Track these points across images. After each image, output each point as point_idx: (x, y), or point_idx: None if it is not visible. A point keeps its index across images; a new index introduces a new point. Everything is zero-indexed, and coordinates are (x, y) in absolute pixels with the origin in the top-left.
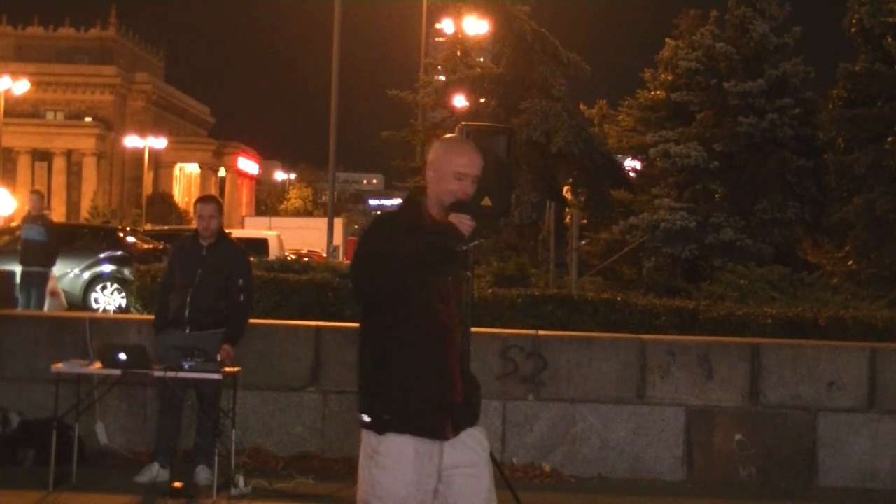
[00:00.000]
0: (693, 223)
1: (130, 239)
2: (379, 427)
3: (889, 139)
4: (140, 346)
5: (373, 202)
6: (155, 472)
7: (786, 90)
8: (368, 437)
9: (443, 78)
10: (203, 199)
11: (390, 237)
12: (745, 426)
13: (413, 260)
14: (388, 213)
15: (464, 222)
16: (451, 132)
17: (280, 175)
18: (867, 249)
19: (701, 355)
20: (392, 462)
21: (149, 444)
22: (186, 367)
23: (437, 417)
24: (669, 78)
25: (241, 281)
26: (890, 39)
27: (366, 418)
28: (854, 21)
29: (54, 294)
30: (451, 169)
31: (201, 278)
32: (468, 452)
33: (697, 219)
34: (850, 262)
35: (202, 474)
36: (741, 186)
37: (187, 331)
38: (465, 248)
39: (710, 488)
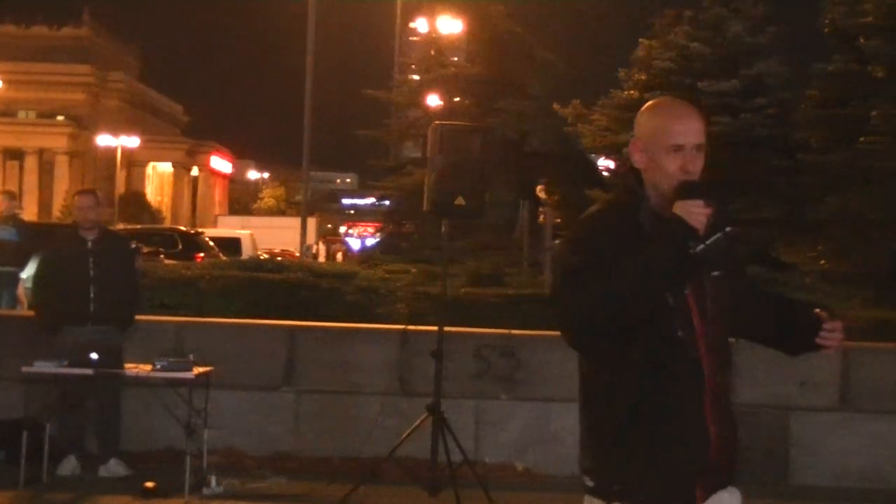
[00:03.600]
0: None
1: None
2: (606, 495)
3: (862, 139)
4: (114, 345)
5: (346, 201)
6: (73, 465)
7: (761, 90)
8: (592, 502)
9: (417, 77)
10: (81, 192)
11: (604, 246)
12: None
13: (636, 281)
14: (599, 211)
15: (692, 211)
16: (426, 131)
17: (253, 174)
18: (841, 249)
19: None
20: None
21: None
22: (158, 366)
23: (682, 484)
24: (644, 77)
25: (133, 267)
26: (864, 40)
27: (589, 482)
28: (828, 21)
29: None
30: (664, 142)
31: (98, 272)
32: None
33: None
34: (823, 262)
35: (66, 465)
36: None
37: (90, 326)
38: (699, 247)
39: None
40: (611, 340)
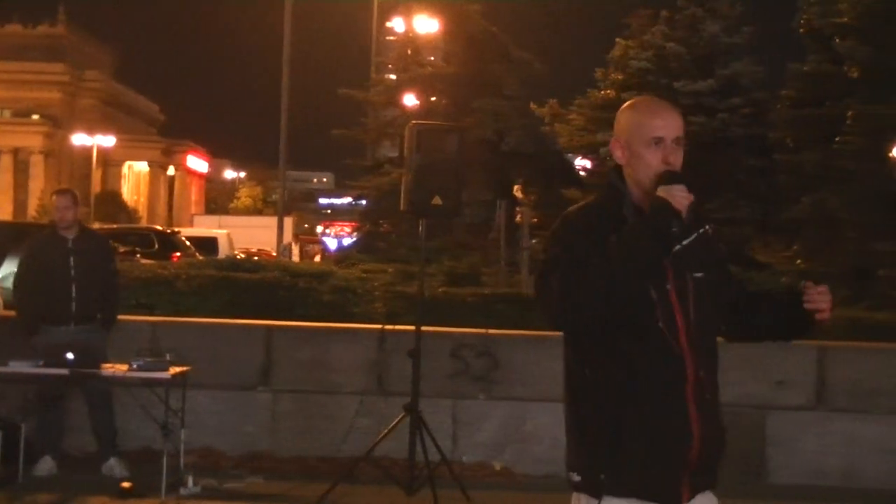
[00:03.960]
0: None
1: None
2: (593, 489)
3: (837, 139)
4: (96, 344)
5: (323, 201)
6: (49, 465)
7: (736, 90)
8: (579, 501)
9: (394, 77)
10: (58, 192)
11: (587, 238)
12: None
13: (618, 265)
14: (583, 206)
15: (675, 194)
16: (402, 131)
17: (230, 174)
18: (816, 249)
19: None
20: None
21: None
22: (135, 366)
23: (666, 478)
24: (620, 77)
25: (112, 266)
26: (839, 40)
27: (575, 477)
28: (803, 21)
29: None
30: (644, 136)
31: (79, 271)
32: None
33: None
34: (798, 261)
35: (43, 466)
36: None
37: (72, 326)
38: (687, 241)
39: None
40: (595, 329)
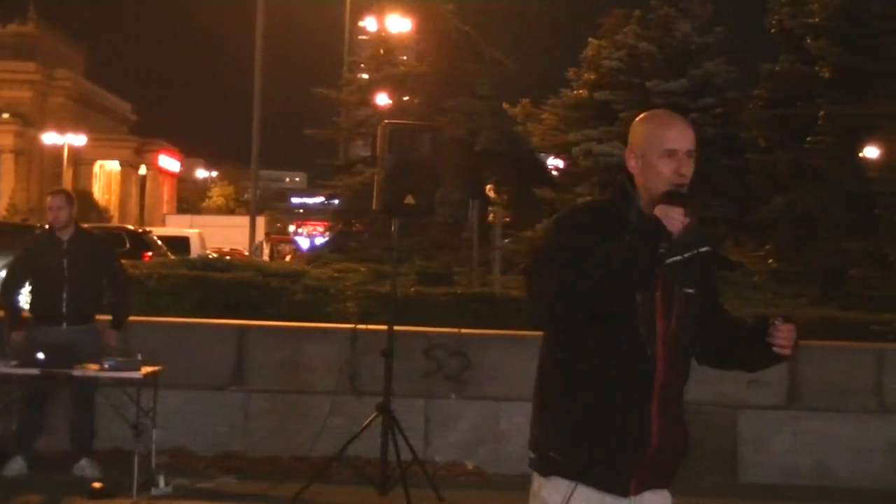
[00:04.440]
0: None
1: None
2: (543, 467)
3: (808, 139)
4: (63, 345)
5: (295, 200)
6: (19, 465)
7: (709, 90)
8: (532, 479)
9: (366, 76)
10: (53, 192)
11: (587, 235)
12: None
13: (606, 266)
14: (590, 203)
15: (671, 215)
16: (375, 130)
17: (202, 173)
18: (789, 248)
19: None
20: None
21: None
22: (106, 366)
23: (616, 468)
24: (592, 77)
25: (115, 264)
26: (810, 40)
27: (531, 454)
28: (775, 21)
29: None
30: (657, 147)
31: (72, 271)
32: None
33: None
34: (771, 261)
35: (13, 466)
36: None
37: (64, 326)
38: (667, 250)
39: None
40: (580, 324)
